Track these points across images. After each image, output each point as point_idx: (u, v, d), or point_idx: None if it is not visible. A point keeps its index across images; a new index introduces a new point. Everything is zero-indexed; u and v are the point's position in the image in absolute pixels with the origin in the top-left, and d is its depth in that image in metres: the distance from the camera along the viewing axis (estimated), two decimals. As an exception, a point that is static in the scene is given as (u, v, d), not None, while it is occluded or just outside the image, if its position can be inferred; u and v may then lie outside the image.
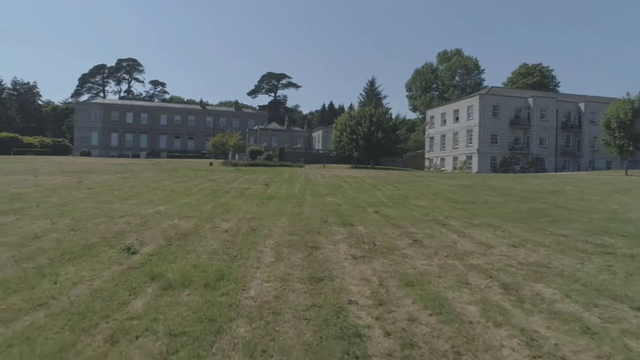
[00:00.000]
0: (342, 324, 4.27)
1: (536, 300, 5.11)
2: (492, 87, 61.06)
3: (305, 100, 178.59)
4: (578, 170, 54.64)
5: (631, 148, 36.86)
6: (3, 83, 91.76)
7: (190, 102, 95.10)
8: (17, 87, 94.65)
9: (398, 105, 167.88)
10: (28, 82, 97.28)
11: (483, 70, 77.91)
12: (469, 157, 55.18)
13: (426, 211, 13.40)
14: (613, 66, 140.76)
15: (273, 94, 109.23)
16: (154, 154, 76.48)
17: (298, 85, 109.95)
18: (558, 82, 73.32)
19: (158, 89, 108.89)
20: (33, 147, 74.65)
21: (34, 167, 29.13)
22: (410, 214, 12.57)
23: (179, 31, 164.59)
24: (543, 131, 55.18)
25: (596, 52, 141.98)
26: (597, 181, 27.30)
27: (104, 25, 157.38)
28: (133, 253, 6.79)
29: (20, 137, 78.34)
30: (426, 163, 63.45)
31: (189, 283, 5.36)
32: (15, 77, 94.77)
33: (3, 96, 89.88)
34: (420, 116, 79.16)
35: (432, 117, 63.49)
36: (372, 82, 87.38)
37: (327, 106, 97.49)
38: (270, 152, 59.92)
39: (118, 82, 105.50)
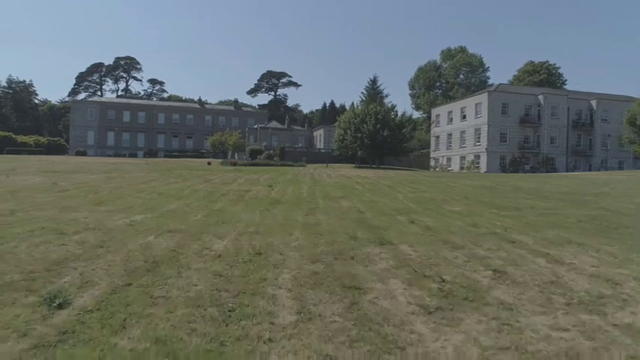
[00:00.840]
0: None
1: None
2: (501, 84, 58.35)
3: (305, 100, 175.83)
4: (590, 170, 51.95)
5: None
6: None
7: (189, 101, 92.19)
8: (13, 85, 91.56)
9: (399, 104, 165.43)
10: (24, 81, 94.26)
11: (488, 67, 75.36)
12: (477, 157, 52.45)
13: (470, 219, 10.63)
14: (614, 65, 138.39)
15: (273, 93, 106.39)
16: (151, 153, 73.56)
17: (298, 83, 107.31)
18: (565, 80, 70.84)
19: (156, 88, 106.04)
20: (28, 146, 71.73)
21: (14, 167, 26.26)
22: (454, 224, 9.79)
23: (179, 30, 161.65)
24: (554, 130, 52.46)
25: (597, 51, 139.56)
26: (629, 182, 24.58)
27: (103, 25, 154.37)
28: (58, 306, 3.99)
29: (14, 136, 75.38)
30: (432, 163, 60.68)
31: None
32: (10, 75, 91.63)
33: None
34: (423, 115, 76.43)
35: (438, 115, 60.72)
36: (373, 81, 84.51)
37: (327, 105, 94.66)
38: (271, 151, 57.13)
39: (116, 81, 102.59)
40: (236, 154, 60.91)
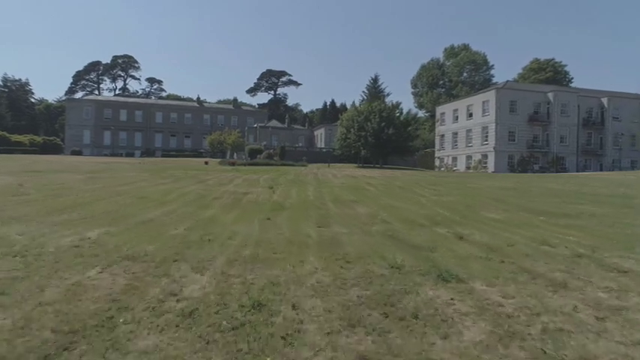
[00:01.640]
0: None
1: None
2: (508, 81, 55.87)
3: (305, 100, 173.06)
4: (601, 170, 49.54)
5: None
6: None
7: (188, 100, 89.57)
8: (8, 84, 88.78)
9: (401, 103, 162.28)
10: (20, 79, 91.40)
11: (492, 65, 72.81)
12: (484, 156, 49.96)
13: (527, 232, 8.17)
14: (616, 64, 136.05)
15: (272, 92, 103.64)
16: (148, 153, 70.98)
17: (299, 82, 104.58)
18: (572, 78, 68.34)
19: (155, 87, 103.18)
20: (22, 145, 69.11)
21: (-10, 166, 23.70)
22: (514, 240, 7.30)
23: (178, 30, 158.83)
24: (564, 128, 49.98)
25: (598, 50, 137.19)
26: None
27: (102, 24, 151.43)
28: None
29: (8, 135, 72.71)
30: (436, 163, 58.18)
31: None
32: (5, 74, 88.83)
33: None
34: (426, 114, 73.93)
35: (443, 113, 58.18)
36: (375, 80, 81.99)
37: (328, 104, 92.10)
38: (271, 151, 54.61)
39: (114, 80, 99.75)
40: (235, 153, 58.39)
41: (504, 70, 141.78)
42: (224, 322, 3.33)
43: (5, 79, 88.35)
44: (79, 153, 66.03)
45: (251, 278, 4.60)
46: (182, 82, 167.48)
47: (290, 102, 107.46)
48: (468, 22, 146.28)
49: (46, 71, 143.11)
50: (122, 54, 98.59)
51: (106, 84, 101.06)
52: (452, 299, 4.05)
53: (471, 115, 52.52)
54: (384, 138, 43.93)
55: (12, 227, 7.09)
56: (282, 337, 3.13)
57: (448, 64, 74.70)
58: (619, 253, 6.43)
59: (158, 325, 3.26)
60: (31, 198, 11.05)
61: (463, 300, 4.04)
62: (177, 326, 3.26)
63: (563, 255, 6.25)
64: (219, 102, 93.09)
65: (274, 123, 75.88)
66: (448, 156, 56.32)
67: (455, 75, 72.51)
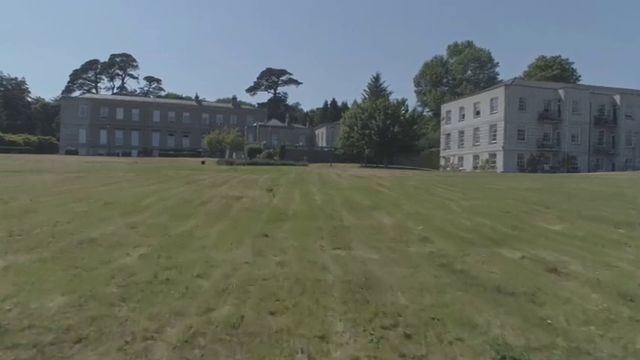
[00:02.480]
0: None
1: None
2: (516, 78, 53.37)
3: (305, 100, 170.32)
4: (613, 170, 47.05)
5: None
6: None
7: (186, 99, 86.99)
8: (3, 82, 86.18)
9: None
10: (16, 78, 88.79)
11: (497, 63, 70.21)
12: (492, 156, 47.47)
13: (627, 255, 5.69)
14: (622, 64, 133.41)
15: (272, 91, 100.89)
16: (145, 152, 68.45)
17: (299, 81, 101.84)
18: (579, 76, 65.76)
19: (153, 86, 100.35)
20: (16, 145, 66.63)
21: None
22: (621, 269, 4.82)
23: (178, 30, 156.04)
24: (575, 127, 47.50)
25: (600, 49, 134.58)
26: None
27: (102, 24, 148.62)
28: None
29: (2, 135, 70.27)
30: (442, 163, 55.67)
31: None
32: (0, 72, 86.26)
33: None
34: (430, 112, 71.40)
35: (449, 111, 55.63)
36: (376, 78, 79.23)
37: (329, 103, 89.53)
38: (271, 150, 52.13)
39: (111, 79, 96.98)
40: (234, 153, 55.92)
41: (508, 69, 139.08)
42: None
43: (1, 78, 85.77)
44: (74, 152, 63.52)
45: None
46: (182, 82, 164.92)
47: (290, 101, 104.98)
48: (468, 21, 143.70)
49: (46, 71, 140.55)
50: (120, 52, 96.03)
51: (104, 83, 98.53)
52: None
53: (478, 112, 50.03)
54: (389, 136, 41.45)
55: None
56: None
57: (452, 61, 72.16)
58: None
59: None
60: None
61: None
62: None
63: None
64: (219, 101, 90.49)
65: (274, 122, 73.35)
66: (454, 155, 53.84)
67: (459, 73, 69.95)
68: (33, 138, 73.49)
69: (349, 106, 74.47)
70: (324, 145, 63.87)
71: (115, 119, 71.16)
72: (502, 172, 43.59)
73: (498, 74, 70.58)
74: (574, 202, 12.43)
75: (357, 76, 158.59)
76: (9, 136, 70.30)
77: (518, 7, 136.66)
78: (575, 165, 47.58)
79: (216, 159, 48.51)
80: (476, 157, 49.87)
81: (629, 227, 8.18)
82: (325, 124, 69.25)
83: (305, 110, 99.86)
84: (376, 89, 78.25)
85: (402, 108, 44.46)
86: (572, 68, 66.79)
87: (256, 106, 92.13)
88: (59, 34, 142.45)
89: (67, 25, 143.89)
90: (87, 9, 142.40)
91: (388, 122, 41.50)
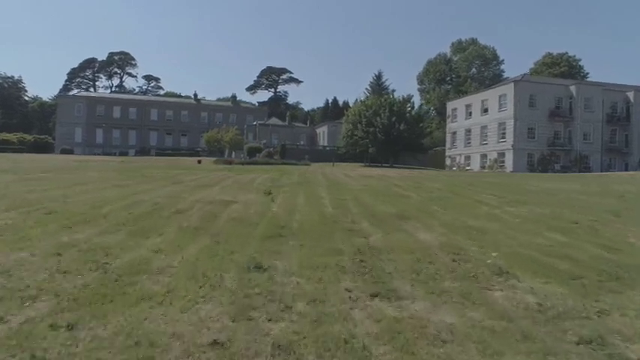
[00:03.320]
0: None
1: None
2: (525, 74, 50.87)
3: (306, 100, 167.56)
4: (627, 170, 44.58)
5: None
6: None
7: (185, 98, 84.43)
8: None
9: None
10: (12, 77, 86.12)
11: (502, 60, 67.57)
12: (501, 155, 44.98)
13: None
14: (619, 63, 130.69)
15: (273, 90, 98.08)
16: (143, 151, 65.90)
17: (299, 80, 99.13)
18: (587, 73, 63.16)
19: (152, 85, 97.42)
20: (10, 144, 64.12)
21: None
22: None
23: (178, 29, 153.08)
24: (587, 124, 44.98)
25: (600, 49, 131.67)
26: None
27: (102, 24, 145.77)
28: None
29: (-5, 133, 67.89)
30: (447, 162, 53.16)
31: None
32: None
33: (-19, 90, 79.18)
34: (433, 111, 68.88)
35: (454, 109, 53.08)
36: (378, 76, 76.95)
37: (330, 101, 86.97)
38: (271, 149, 49.62)
39: (110, 77, 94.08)
40: (233, 152, 53.38)
41: (512, 67, 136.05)
42: None
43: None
44: (69, 152, 60.96)
45: None
46: (181, 81, 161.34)
47: (290, 100, 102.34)
48: (468, 21, 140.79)
49: (46, 70, 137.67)
50: (118, 50, 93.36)
51: (102, 81, 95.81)
52: None
53: (486, 110, 47.53)
54: (394, 134, 38.93)
55: None
56: None
57: (455, 59, 69.59)
58: None
59: None
60: None
61: None
62: None
63: None
64: (219, 100, 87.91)
65: (274, 121, 70.81)
66: (460, 155, 51.37)
67: (463, 70, 67.33)
68: (28, 137, 70.94)
69: (351, 105, 71.98)
70: (326, 144, 61.38)
71: (112, 118, 68.63)
72: (511, 171, 41.16)
73: (504, 72, 68.12)
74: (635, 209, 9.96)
75: (358, 75, 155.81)
76: (3, 135, 67.72)
77: (519, 7, 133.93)
78: (588, 164, 45.12)
79: (214, 159, 46.07)
80: (483, 156, 47.41)
81: None
82: (327, 123, 66.76)
83: (306, 109, 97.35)
84: (378, 87, 75.80)
85: (408, 105, 42.00)
86: (580, 65, 64.27)
87: (256, 105, 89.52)
88: (59, 34, 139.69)
89: (67, 24, 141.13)
90: (86, 8, 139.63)
91: (394, 119, 38.99)
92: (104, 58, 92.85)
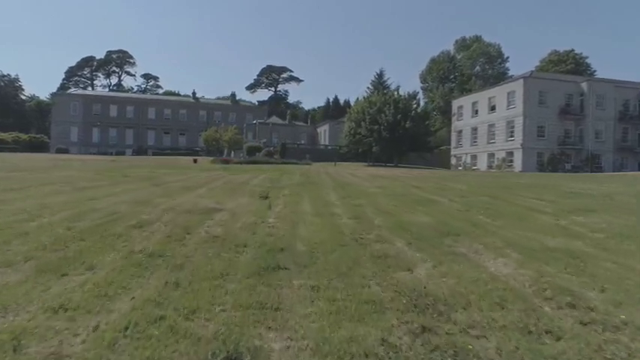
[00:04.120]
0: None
1: None
2: (534, 71, 48.61)
3: (306, 99, 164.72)
4: (639, 170, 42.39)
5: None
6: (-23, 75, 78.72)
7: (184, 97, 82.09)
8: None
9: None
10: (9, 75, 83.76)
11: (507, 58, 65.27)
12: (510, 154, 42.71)
13: None
14: (620, 63, 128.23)
15: (273, 89, 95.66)
16: (140, 151, 63.64)
17: (300, 78, 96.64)
18: (594, 71, 60.89)
19: (151, 83, 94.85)
20: (4, 143, 61.87)
21: None
22: None
23: (178, 29, 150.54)
24: (599, 122, 42.72)
25: (601, 50, 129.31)
26: None
27: (102, 23, 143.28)
28: None
29: (-10, 133, 65.64)
30: (452, 162, 50.92)
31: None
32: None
33: (-23, 89, 76.85)
34: (436, 110, 66.62)
35: (460, 107, 50.79)
36: (380, 75, 74.32)
37: (331, 100, 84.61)
38: (271, 149, 47.33)
39: (108, 76, 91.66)
40: (232, 152, 51.07)
41: (516, 65, 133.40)
42: None
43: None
44: (64, 151, 58.69)
45: None
46: (180, 81, 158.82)
47: (291, 100, 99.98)
48: (469, 21, 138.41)
49: (44, 70, 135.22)
50: (116, 49, 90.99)
51: (100, 80, 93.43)
52: None
53: (493, 108, 45.28)
54: (400, 132, 36.70)
55: None
56: None
57: (459, 57, 67.35)
58: None
59: None
60: None
61: None
62: None
63: None
64: (218, 99, 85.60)
65: (275, 119, 68.49)
66: (466, 154, 49.12)
67: (467, 68, 65.05)
68: (24, 136, 68.64)
69: (352, 104, 69.58)
70: (327, 143, 59.13)
71: (109, 117, 66.28)
72: (520, 171, 38.96)
73: (509, 69, 65.83)
74: None
75: (358, 75, 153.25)
76: (-3, 134, 65.57)
77: (520, 5, 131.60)
78: (599, 164, 42.91)
79: (212, 158, 43.79)
80: (491, 155, 45.16)
81: None
82: (328, 122, 64.48)
83: (306, 109, 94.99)
84: (380, 86, 73.46)
85: (414, 102, 39.75)
86: (587, 63, 62.02)
87: (256, 104, 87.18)
88: (57, 32, 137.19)
89: (66, 23, 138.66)
90: (86, 7, 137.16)
91: (399, 117, 36.74)
92: (102, 57, 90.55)
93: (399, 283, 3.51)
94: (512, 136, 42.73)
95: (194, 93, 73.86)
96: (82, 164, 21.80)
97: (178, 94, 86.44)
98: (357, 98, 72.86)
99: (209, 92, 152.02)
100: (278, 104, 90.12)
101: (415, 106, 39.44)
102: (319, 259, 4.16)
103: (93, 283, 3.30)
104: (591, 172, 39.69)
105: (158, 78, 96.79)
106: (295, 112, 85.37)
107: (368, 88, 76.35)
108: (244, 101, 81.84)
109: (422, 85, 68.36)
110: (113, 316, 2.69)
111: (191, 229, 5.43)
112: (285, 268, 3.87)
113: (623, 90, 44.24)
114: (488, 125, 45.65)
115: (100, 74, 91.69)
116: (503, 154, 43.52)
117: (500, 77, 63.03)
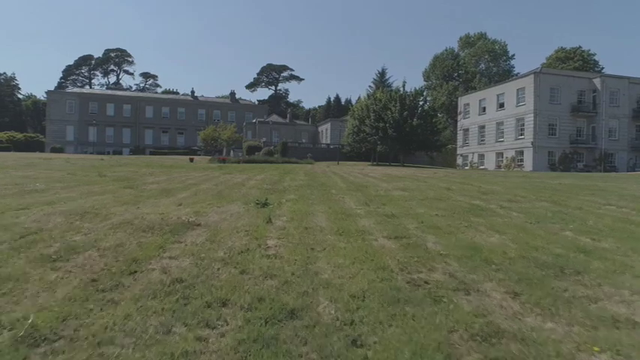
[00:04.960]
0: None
1: None
2: (542, 67, 46.43)
3: (307, 99, 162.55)
4: (653, 169, 40.24)
5: None
6: (-27, 73, 76.42)
7: (183, 95, 79.82)
8: (-9, 78, 79.04)
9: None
10: (5, 73, 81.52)
11: (513, 55, 63.10)
12: (519, 153, 40.54)
13: None
14: (615, 64, 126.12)
15: (273, 88, 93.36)
16: (137, 150, 61.50)
17: (300, 77, 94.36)
18: (602, 68, 58.73)
19: (149, 82, 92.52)
20: (-2, 142, 59.71)
21: None
22: None
23: (177, 27, 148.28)
24: (613, 120, 40.56)
25: (608, 48, 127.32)
26: None
27: (100, 22, 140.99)
28: None
29: (-19, 132, 63.46)
30: (459, 161, 48.76)
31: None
32: (-12, 67, 78.95)
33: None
34: (440, 108, 64.39)
35: (467, 105, 48.57)
36: (382, 73, 72.41)
37: (332, 99, 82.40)
38: (271, 148, 45.11)
39: (106, 74, 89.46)
40: (232, 150, 48.91)
41: (521, 64, 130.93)
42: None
43: (-12, 74, 78.57)
44: (60, 150, 56.43)
45: None
46: (179, 80, 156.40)
47: (291, 99, 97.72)
48: (469, 21, 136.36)
49: (42, 68, 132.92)
50: (114, 47, 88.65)
51: (98, 79, 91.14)
52: None
53: (502, 105, 43.10)
54: (406, 130, 34.48)
55: None
56: None
57: (463, 54, 65.13)
58: None
59: None
60: None
61: None
62: None
63: None
64: (218, 98, 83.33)
65: (275, 118, 66.25)
66: (473, 153, 46.95)
67: (471, 66, 62.81)
68: (19, 135, 66.38)
69: (353, 102, 67.31)
70: (329, 142, 56.94)
71: (105, 115, 64.09)
72: (531, 171, 36.80)
73: (514, 67, 63.64)
74: None
75: (359, 75, 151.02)
76: (-10, 133, 63.38)
77: (522, 4, 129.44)
78: (613, 163, 40.78)
79: (210, 157, 41.61)
80: (499, 154, 43.00)
81: None
82: (330, 120, 62.27)
83: (307, 108, 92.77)
84: (382, 84, 71.22)
85: (421, 98, 37.57)
86: (595, 60, 59.82)
87: (256, 102, 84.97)
88: (55, 31, 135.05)
89: (64, 21, 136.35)
90: (84, 6, 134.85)
91: (405, 114, 34.56)
92: (101, 56, 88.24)
93: None
94: (522, 134, 40.56)
95: (192, 91, 71.65)
96: (63, 163, 19.59)
97: (177, 93, 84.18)
98: (360, 97, 70.50)
99: (208, 91, 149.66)
100: (278, 103, 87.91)
101: (422, 102, 37.31)
102: (366, 342, 1.97)
103: None
104: (604, 171, 37.53)
105: (157, 77, 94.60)
106: (296, 111, 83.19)
107: (370, 86, 74.06)
108: (244, 100, 79.58)
109: (425, 82, 66.13)
110: None
111: (140, 263, 3.24)
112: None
113: (638, 87, 42.08)
114: (496, 123, 43.49)
115: (98, 73, 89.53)
116: (512, 153, 41.35)
117: (506, 75, 60.87)
